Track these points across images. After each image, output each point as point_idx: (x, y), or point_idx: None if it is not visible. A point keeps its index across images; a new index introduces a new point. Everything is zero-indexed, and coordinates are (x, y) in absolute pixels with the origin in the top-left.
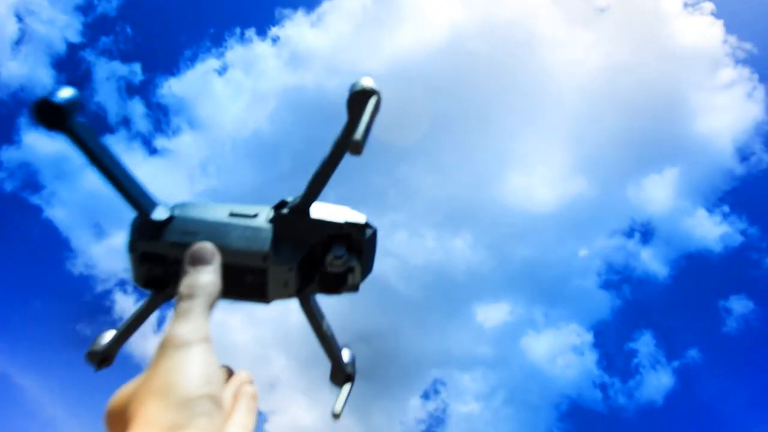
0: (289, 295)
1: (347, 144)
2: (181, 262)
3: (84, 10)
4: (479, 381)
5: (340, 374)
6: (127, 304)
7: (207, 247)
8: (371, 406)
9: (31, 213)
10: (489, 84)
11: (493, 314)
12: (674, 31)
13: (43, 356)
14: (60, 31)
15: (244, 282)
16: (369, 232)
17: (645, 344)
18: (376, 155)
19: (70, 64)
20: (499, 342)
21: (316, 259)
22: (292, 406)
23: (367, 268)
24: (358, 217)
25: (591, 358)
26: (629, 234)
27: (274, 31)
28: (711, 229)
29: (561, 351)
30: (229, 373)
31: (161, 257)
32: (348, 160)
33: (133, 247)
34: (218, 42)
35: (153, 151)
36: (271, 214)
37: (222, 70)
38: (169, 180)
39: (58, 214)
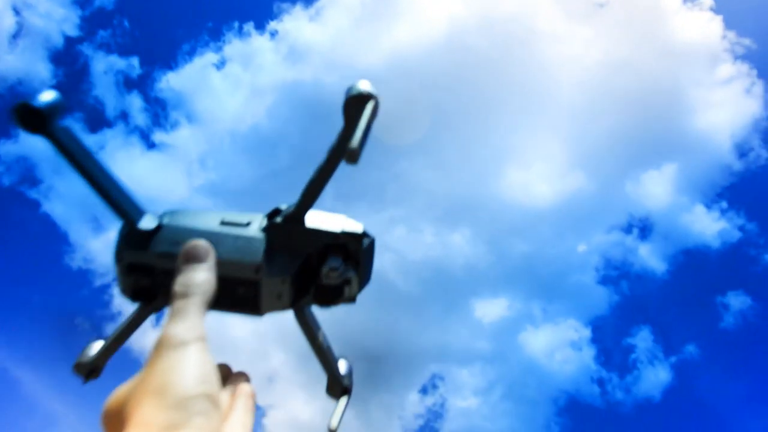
0: (282, 308)
1: (343, 151)
2: (170, 273)
3: (81, 3)
4: (477, 376)
5: (337, 387)
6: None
7: (201, 244)
8: (369, 401)
9: (29, 207)
10: (488, 79)
11: (491, 309)
12: (673, 27)
13: (41, 350)
14: (57, 24)
15: (236, 294)
16: (366, 241)
17: (643, 340)
18: (375, 150)
19: (67, 58)
20: (498, 337)
21: (312, 269)
22: (290, 400)
23: (364, 279)
24: (355, 227)
25: (589, 353)
26: (627, 230)
27: (272, 25)
28: (709, 225)
29: (559, 346)
30: (227, 371)
31: (149, 268)
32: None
33: (120, 257)
34: (216, 36)
35: (151, 145)
36: (264, 222)
37: (220, 65)
38: (168, 174)
39: (56, 208)
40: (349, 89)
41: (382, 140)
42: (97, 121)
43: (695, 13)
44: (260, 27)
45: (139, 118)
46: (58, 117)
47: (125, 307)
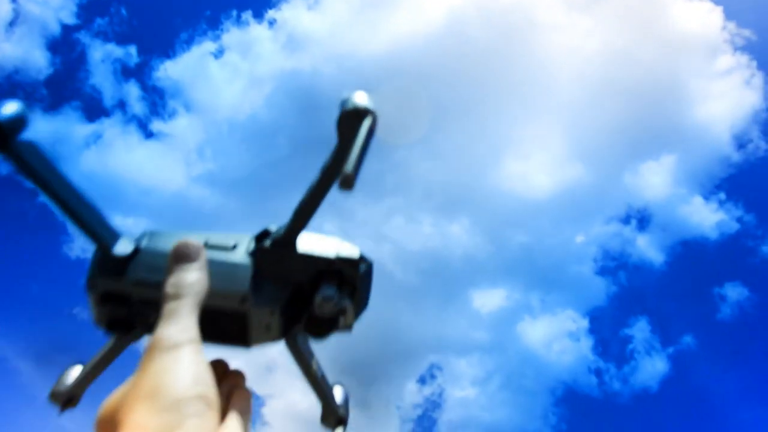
0: (272, 340)
1: (337, 172)
2: (148, 303)
3: None
4: (475, 366)
5: (332, 417)
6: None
7: (191, 243)
8: (368, 391)
9: (27, 196)
10: (487, 70)
11: (489, 300)
12: (673, 18)
13: (40, 340)
14: (54, 12)
15: (222, 326)
16: (363, 267)
17: (640, 330)
18: (374, 139)
19: (64, 46)
20: (496, 327)
21: (303, 296)
22: (289, 390)
23: (361, 307)
24: (351, 251)
25: (586, 343)
26: (626, 220)
27: (270, 14)
28: (707, 217)
29: (557, 337)
30: (224, 368)
31: (125, 297)
32: None
33: (92, 285)
34: (214, 25)
35: (149, 134)
36: (251, 245)
37: (218, 53)
38: (166, 164)
39: None
40: (344, 103)
41: (382, 133)
42: (95, 110)
43: (695, 3)
44: (258, 16)
45: (137, 107)
46: (20, 132)
47: None
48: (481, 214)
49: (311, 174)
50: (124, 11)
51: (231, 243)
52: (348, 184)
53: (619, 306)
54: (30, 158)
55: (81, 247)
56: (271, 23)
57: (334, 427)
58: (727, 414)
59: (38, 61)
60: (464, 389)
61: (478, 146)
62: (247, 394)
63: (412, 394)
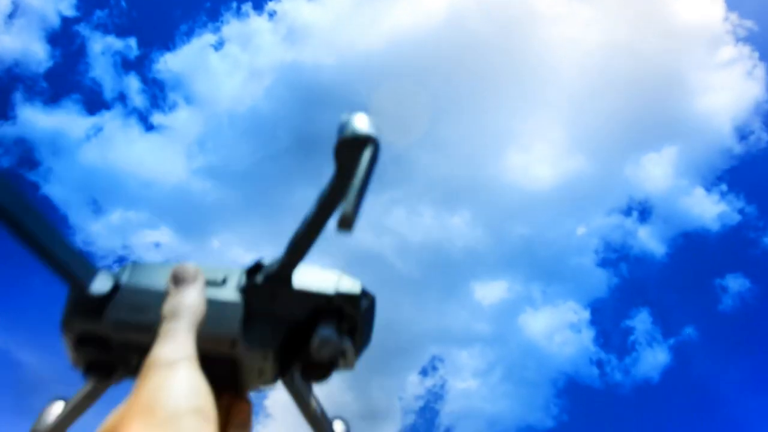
0: (265, 384)
1: (335, 204)
2: (129, 346)
3: None
4: (477, 358)
5: None
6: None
7: (189, 267)
8: (370, 383)
9: (29, 190)
10: (487, 61)
11: (491, 292)
12: (674, 9)
13: (42, 333)
14: (54, 4)
15: (212, 371)
16: (365, 303)
17: (642, 322)
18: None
19: (64, 39)
20: (497, 319)
21: (300, 335)
22: None
23: (363, 345)
24: (351, 286)
25: (588, 335)
26: (627, 212)
27: (270, 5)
28: (708, 208)
29: (558, 328)
30: None
31: (104, 340)
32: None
33: (67, 327)
34: (214, 16)
35: (150, 127)
36: (242, 280)
37: (218, 45)
38: (166, 157)
39: (55, 190)
40: (342, 128)
41: (382, 125)
42: (95, 103)
43: None
44: (258, 7)
45: (137, 99)
46: None
47: None
48: (483, 206)
49: (311, 167)
50: (123, 3)
51: (220, 277)
52: (347, 225)
53: (620, 297)
54: None
55: (83, 240)
56: (271, 15)
57: None
58: (728, 404)
59: (38, 53)
60: (466, 381)
61: (479, 138)
62: (247, 407)
63: (414, 385)
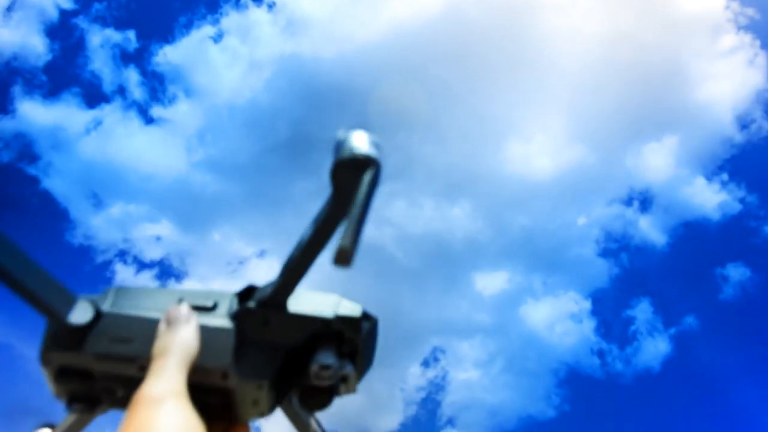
0: (261, 415)
1: (332, 228)
2: (113, 378)
3: None
4: (478, 348)
5: None
6: (127, 275)
7: (182, 310)
8: (372, 375)
9: (29, 184)
10: (487, 51)
11: (491, 282)
12: None
13: (42, 328)
14: None
15: (206, 403)
16: (366, 326)
17: (642, 311)
18: (375, 123)
19: (62, 32)
20: (498, 310)
21: (297, 360)
22: None
23: (365, 368)
24: (351, 309)
25: (589, 325)
26: (628, 202)
27: None
28: (709, 197)
29: (559, 318)
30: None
31: (86, 372)
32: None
33: (46, 359)
34: (213, 8)
35: (149, 120)
36: (234, 305)
37: (217, 38)
38: (166, 150)
39: (55, 184)
40: (338, 148)
41: (382, 113)
42: (95, 96)
43: None
44: None
45: (137, 92)
46: None
47: (128, 282)
48: (483, 197)
49: (312, 160)
50: None
51: (210, 302)
52: (344, 260)
53: (621, 287)
54: None
55: (83, 234)
56: (270, 6)
57: None
58: (729, 394)
59: (37, 47)
60: (467, 372)
61: (480, 129)
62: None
63: (415, 377)
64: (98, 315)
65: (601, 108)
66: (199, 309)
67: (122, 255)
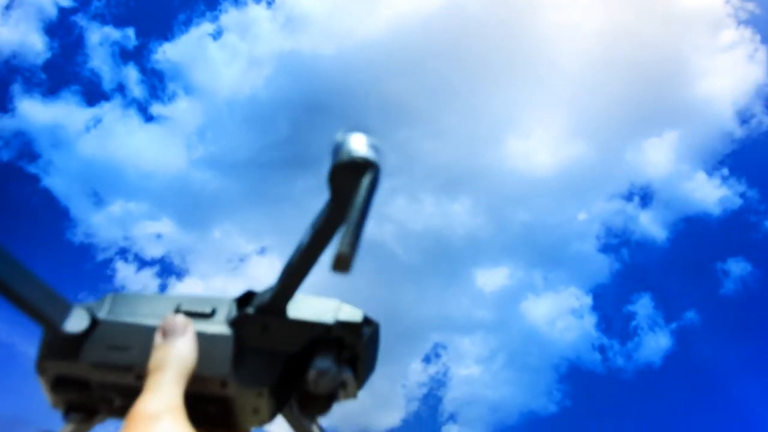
0: (262, 423)
1: (331, 232)
2: (110, 387)
3: None
4: (479, 344)
5: None
6: (128, 273)
7: (178, 320)
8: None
9: (29, 182)
10: (487, 47)
11: (492, 278)
12: None
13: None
14: None
15: (206, 412)
16: (368, 331)
17: (643, 307)
18: (375, 119)
19: (61, 30)
20: (499, 306)
21: (297, 366)
22: None
23: (366, 374)
24: (352, 314)
25: (590, 320)
26: (628, 197)
27: None
28: (710, 192)
29: (560, 314)
30: None
31: (83, 381)
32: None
33: (41, 369)
34: (212, 6)
35: (149, 118)
36: (232, 311)
37: (216, 35)
38: (167, 147)
39: (55, 183)
40: (336, 150)
41: (382, 109)
42: (94, 94)
43: None
44: None
45: (136, 90)
46: None
47: (129, 281)
48: (483, 193)
49: (312, 156)
50: None
51: (208, 309)
52: (343, 265)
53: (622, 283)
54: None
55: (84, 232)
56: (270, 3)
57: None
58: (730, 388)
59: (36, 45)
60: (468, 367)
61: (479, 125)
62: None
63: (416, 373)
64: (94, 323)
65: (601, 103)
66: (197, 315)
67: (123, 253)
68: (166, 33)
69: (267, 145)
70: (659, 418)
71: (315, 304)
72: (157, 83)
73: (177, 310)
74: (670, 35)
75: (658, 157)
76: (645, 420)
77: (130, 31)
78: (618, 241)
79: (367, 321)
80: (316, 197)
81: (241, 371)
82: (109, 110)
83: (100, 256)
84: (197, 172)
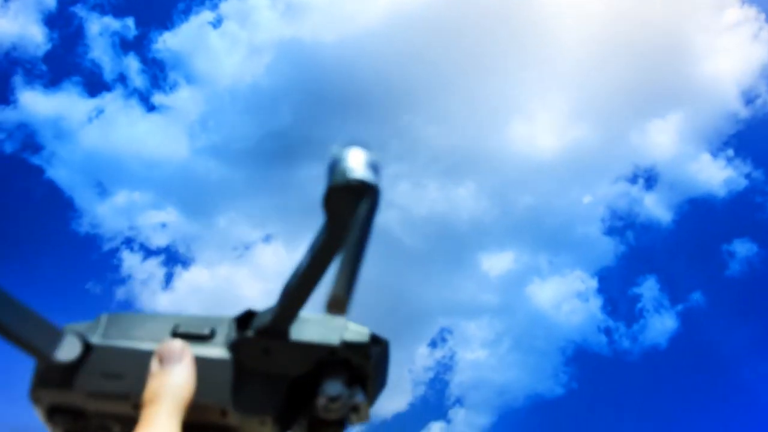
0: None
1: (331, 254)
2: (107, 415)
3: None
4: (485, 328)
5: None
6: (134, 262)
7: (175, 346)
8: None
9: (33, 174)
10: (490, 31)
11: (497, 262)
12: None
13: (53, 317)
14: None
15: None
16: (376, 351)
17: (649, 289)
18: (378, 105)
19: (61, 21)
20: (505, 290)
21: (301, 389)
22: None
23: (377, 391)
24: (359, 334)
25: (595, 303)
26: (633, 180)
27: None
28: (715, 174)
29: (566, 297)
30: None
31: (78, 410)
32: (345, 120)
33: (36, 398)
34: None
35: (151, 107)
36: (232, 332)
37: (216, 23)
38: (169, 137)
39: (60, 174)
40: (332, 170)
41: (385, 94)
42: (96, 85)
43: None
44: None
45: (138, 80)
46: None
47: (135, 270)
48: (488, 177)
49: (314, 143)
50: None
51: (206, 330)
52: (338, 308)
53: (627, 265)
54: None
55: (89, 222)
56: None
57: None
58: (735, 369)
59: (36, 36)
60: (475, 351)
61: (483, 109)
62: None
63: (423, 357)
64: (88, 348)
65: (604, 85)
66: (194, 337)
67: (129, 242)
68: (166, 22)
69: (269, 132)
70: (665, 399)
71: (319, 323)
72: (158, 73)
73: (174, 332)
74: (673, 15)
75: (663, 139)
76: (651, 402)
77: (130, 21)
78: (623, 224)
79: (375, 340)
80: (319, 184)
81: (241, 398)
82: (111, 101)
83: (106, 246)
84: (200, 160)
